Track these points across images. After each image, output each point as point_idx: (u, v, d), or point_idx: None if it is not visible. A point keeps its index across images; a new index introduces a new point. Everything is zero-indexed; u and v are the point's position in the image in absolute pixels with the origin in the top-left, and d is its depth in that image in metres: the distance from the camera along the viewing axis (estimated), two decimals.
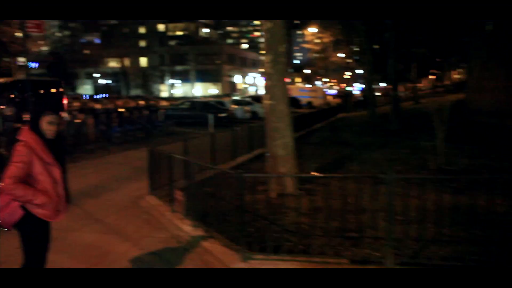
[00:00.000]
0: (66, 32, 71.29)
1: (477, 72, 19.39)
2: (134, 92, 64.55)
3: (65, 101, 18.04)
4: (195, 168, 5.39)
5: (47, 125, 3.18)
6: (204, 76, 68.78)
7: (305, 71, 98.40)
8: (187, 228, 5.32)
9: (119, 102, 38.29)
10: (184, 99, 43.69)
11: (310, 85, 61.85)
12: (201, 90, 69.73)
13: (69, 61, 61.72)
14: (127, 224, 5.92)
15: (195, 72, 69.92)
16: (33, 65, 40.61)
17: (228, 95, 48.56)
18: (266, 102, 6.95)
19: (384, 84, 50.53)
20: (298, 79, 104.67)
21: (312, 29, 46.45)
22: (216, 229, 5.14)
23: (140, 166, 10.72)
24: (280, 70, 6.82)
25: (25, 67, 25.24)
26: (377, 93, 47.42)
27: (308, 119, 20.41)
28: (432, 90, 59.41)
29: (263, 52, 7.06)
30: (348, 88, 62.96)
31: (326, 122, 24.82)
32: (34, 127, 3.17)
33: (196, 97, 50.04)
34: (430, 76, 60.71)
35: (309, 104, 44.04)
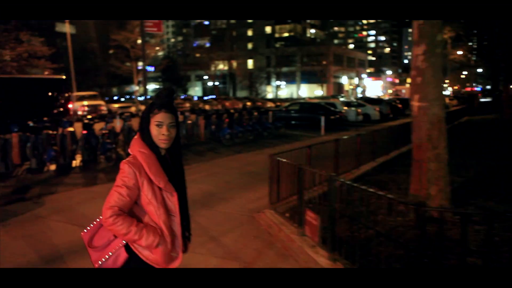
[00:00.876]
0: (180, 38, 75.32)
1: None
2: (240, 93, 65.78)
3: (70, 105, 17.59)
4: (333, 186, 4.23)
5: (157, 129, 2.17)
6: (310, 77, 67.70)
7: None
8: (323, 261, 4.20)
9: (227, 103, 38.93)
10: (291, 100, 43.09)
11: None
12: (306, 91, 68.81)
13: (181, 64, 64.94)
14: (246, 247, 5.00)
15: (300, 73, 69.19)
16: (150, 68, 43.11)
17: (334, 97, 46.94)
18: (415, 104, 5.57)
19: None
20: (408, 80, 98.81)
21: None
22: (360, 264, 3.98)
23: (253, 171, 9.97)
24: (436, 64, 5.38)
25: (143, 71, 26.58)
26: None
27: None
28: None
29: (413, 42, 5.67)
30: (467, 89, 57.30)
31: (451, 125, 22.14)
32: (143, 133, 2.21)
33: (303, 99, 49.20)
34: None
35: None
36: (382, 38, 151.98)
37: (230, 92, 67.65)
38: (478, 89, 66.57)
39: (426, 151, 5.45)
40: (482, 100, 47.00)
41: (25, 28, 31.93)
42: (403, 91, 76.99)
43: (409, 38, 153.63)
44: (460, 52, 43.78)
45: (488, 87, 64.99)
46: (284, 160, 6.08)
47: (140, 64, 40.24)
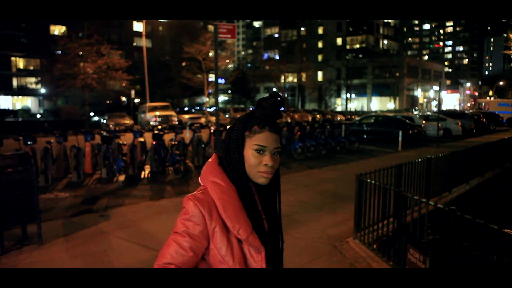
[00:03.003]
0: (250, 50, 76.29)
1: None
2: (309, 105, 64.83)
3: None
4: (452, 224, 3.31)
5: (256, 156, 1.44)
6: (381, 90, 65.32)
7: (498, 83, 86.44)
8: None
9: (296, 116, 38.20)
10: (361, 113, 41.46)
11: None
12: (377, 104, 66.43)
13: (251, 76, 65.43)
14: None
15: (371, 86, 67.00)
16: (220, 80, 43.63)
17: (407, 110, 44.59)
18: None
19: None
20: (491, 93, 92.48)
21: None
22: None
23: (328, 190, 9.11)
24: None
25: (215, 82, 26.84)
26: None
27: None
28: None
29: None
30: None
31: None
32: (230, 159, 1.48)
33: (375, 112, 47.28)
34: None
35: (510, 120, 37.24)
36: (460, 48, 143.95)
37: (299, 104, 66.93)
38: None
39: None
40: None
41: (105, 42, 33.63)
42: (483, 103, 72.08)
43: (491, 48, 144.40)
44: None
45: None
46: (373, 182, 5.20)
47: (212, 76, 40.86)
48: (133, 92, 40.08)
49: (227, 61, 46.71)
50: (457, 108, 67.26)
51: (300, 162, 13.17)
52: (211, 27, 54.66)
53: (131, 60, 33.76)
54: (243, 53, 75.39)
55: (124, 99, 52.62)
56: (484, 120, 30.05)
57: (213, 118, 28.77)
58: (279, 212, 1.59)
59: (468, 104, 76.15)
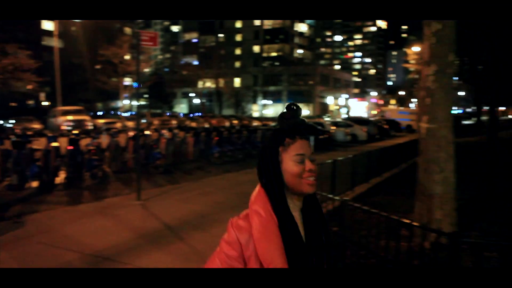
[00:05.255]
0: (167, 55, 75.38)
1: None
2: (226, 111, 65.69)
3: None
4: (347, 210, 3.97)
5: (297, 165, 1.46)
6: (296, 97, 68.07)
7: (399, 93, 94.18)
8: None
9: (214, 121, 38.65)
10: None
11: (411, 107, 58.30)
12: None
13: (168, 81, 64.72)
14: None
15: (287, 93, 69.57)
16: (137, 85, 42.83)
17: (320, 116, 47.13)
18: (423, 125, 5.38)
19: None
20: (392, 101, 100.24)
21: (416, 48, 43.64)
22: None
23: (245, 191, 9.64)
24: (446, 84, 5.23)
25: (130, 87, 26.29)
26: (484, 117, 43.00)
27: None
28: None
29: (421, 63, 5.54)
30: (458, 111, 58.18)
31: None
32: (270, 179, 1.49)
33: None
34: None
35: (408, 127, 41.09)
36: (368, 60, 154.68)
37: (216, 109, 67.54)
38: (459, 111, 67.78)
39: (433, 174, 5.25)
40: (464, 122, 47.69)
41: (11, 40, 31.43)
42: (387, 112, 78.04)
43: (393, 61, 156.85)
44: None
45: (469, 109, 66.23)
46: None
47: (128, 80, 39.91)
48: (42, 95, 37.85)
49: (145, 64, 45.93)
50: (365, 115, 72.15)
51: (218, 166, 13.61)
52: (128, 29, 53.35)
53: (40, 61, 31.87)
54: (160, 57, 74.35)
55: (31, 102, 49.38)
56: (386, 127, 32.92)
57: (130, 123, 28.24)
58: (326, 226, 1.58)
59: (375, 112, 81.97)
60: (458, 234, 3.09)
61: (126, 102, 45.76)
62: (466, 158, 16.11)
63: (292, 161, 1.45)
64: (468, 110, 70.87)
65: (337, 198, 4.53)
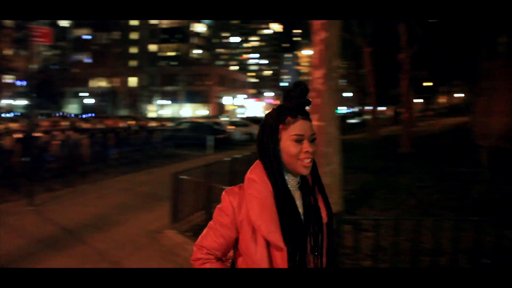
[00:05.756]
0: (56, 51, 70.29)
1: (485, 95, 18.89)
2: (122, 112, 63.27)
3: None
4: None
5: (295, 145, 1.48)
6: (193, 97, 68.02)
7: None
8: None
9: (109, 122, 37.09)
10: (176, 120, 42.62)
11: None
12: (189, 111, 68.78)
13: (57, 80, 60.37)
14: None
15: (184, 93, 69.10)
16: (20, 83, 39.28)
17: (217, 116, 47.76)
18: (314, 123, 5.97)
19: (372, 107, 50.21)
20: None
21: (307, 51, 46.23)
22: None
23: (145, 191, 9.66)
24: (333, 86, 5.89)
25: (13, 85, 24.21)
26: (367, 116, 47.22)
27: None
28: (423, 113, 59.48)
29: (311, 67, 6.14)
30: (344, 111, 62.71)
31: None
32: (267, 155, 1.51)
33: (186, 118, 49.06)
34: (417, 100, 60.73)
35: None
36: (263, 61, 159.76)
37: (111, 110, 64.67)
38: (348, 111, 73.29)
39: (322, 167, 5.86)
40: (350, 121, 51.79)
41: None
42: None
43: (287, 63, 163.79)
44: None
45: (354, 109, 71.97)
46: (188, 177, 6.03)
47: (9, 77, 36.54)
48: None
49: (30, 61, 42.40)
50: (262, 115, 74.37)
51: (117, 168, 13.28)
52: (8, 22, 48.68)
53: None
54: (48, 53, 68.94)
55: None
56: None
57: (14, 125, 25.97)
58: (329, 207, 1.60)
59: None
60: (341, 214, 3.60)
61: (8, 101, 41.81)
62: (352, 153, 17.70)
63: (290, 140, 1.46)
64: (354, 109, 76.85)
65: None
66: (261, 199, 1.44)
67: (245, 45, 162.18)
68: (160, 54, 79.85)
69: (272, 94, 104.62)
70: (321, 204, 1.56)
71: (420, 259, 4.26)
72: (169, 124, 33.14)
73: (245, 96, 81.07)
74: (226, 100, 73.28)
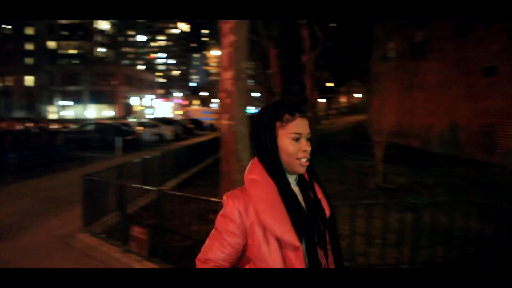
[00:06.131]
0: None
1: (381, 95, 20.72)
2: (17, 113, 58.42)
3: None
4: (163, 198, 4.47)
5: (293, 144, 1.44)
6: (98, 98, 64.96)
7: (202, 93, 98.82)
8: None
9: (3, 125, 34.16)
10: (79, 121, 40.48)
11: (213, 107, 61.88)
12: (94, 112, 65.63)
13: None
14: None
15: (88, 93, 65.74)
16: None
17: (125, 117, 46.33)
18: (224, 122, 6.27)
19: None
20: (196, 102, 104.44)
21: (216, 52, 46.62)
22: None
23: (52, 196, 9.24)
24: (242, 87, 6.21)
25: None
26: None
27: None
28: (326, 112, 62.99)
29: (221, 68, 6.41)
30: (253, 110, 64.04)
31: None
32: (265, 154, 1.46)
33: (91, 119, 46.84)
34: (321, 100, 64.34)
35: (212, 126, 43.87)
36: (171, 61, 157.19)
37: (4, 112, 59.35)
38: (257, 110, 75.11)
39: (233, 164, 6.17)
40: None
41: None
42: (191, 112, 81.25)
43: (195, 63, 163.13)
44: None
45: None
46: (99, 179, 5.97)
47: None
48: None
49: None
50: (171, 115, 73.44)
51: (17, 174, 12.42)
52: None
53: None
54: None
55: None
56: (191, 126, 34.57)
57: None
58: (329, 200, 1.56)
59: (180, 112, 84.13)
60: None
61: None
62: None
63: (288, 138, 1.43)
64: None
65: (153, 188, 5.00)
66: (268, 199, 1.38)
67: (152, 44, 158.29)
68: (60, 51, 75.06)
69: (181, 94, 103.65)
70: (321, 198, 1.52)
71: None
72: (73, 126, 31.45)
73: (153, 96, 79.29)
74: (134, 101, 71.06)
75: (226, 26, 6.32)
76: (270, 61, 23.41)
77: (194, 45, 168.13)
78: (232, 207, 1.40)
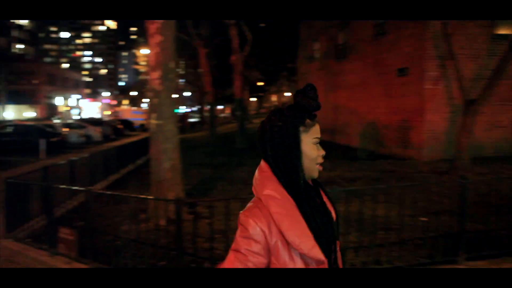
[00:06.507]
0: None
1: None
2: None
3: None
4: (91, 198, 4.49)
5: (315, 148, 1.43)
6: (18, 98, 60.95)
7: (131, 93, 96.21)
8: None
9: None
10: (2, 122, 37.82)
11: (143, 107, 60.50)
12: (13, 113, 61.49)
13: None
14: None
15: (6, 93, 61.41)
16: None
17: (49, 118, 43.99)
18: (153, 121, 6.36)
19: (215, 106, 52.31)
20: (125, 101, 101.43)
21: (145, 50, 45.60)
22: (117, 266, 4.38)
23: None
24: (170, 87, 6.33)
25: None
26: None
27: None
28: (257, 111, 64.03)
29: (148, 68, 6.48)
30: (184, 110, 63.42)
31: None
32: (286, 161, 1.39)
33: (11, 121, 43.90)
34: (252, 99, 65.41)
35: (142, 126, 42.97)
36: (98, 59, 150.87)
37: None
38: (188, 110, 74.51)
39: (163, 162, 6.28)
40: (191, 120, 52.96)
41: None
42: (121, 112, 78.84)
43: (124, 61, 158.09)
44: None
45: (195, 108, 73.63)
46: (22, 182, 5.82)
47: None
48: None
49: None
50: (99, 116, 70.73)
51: None
52: None
53: None
54: None
55: None
56: (121, 127, 33.65)
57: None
58: (334, 204, 1.56)
59: (108, 112, 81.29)
60: (180, 199, 4.08)
61: None
62: (194, 150, 18.43)
63: (312, 144, 1.41)
64: (194, 108, 78.42)
65: (82, 189, 5.00)
66: (290, 216, 1.33)
67: (77, 41, 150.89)
68: None
69: (109, 94, 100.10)
70: (327, 202, 1.51)
71: None
72: None
73: (80, 96, 75.87)
74: (58, 101, 67.54)
75: (153, 26, 6.41)
76: (200, 60, 23.52)
77: (122, 43, 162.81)
78: (255, 227, 1.32)
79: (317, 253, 1.32)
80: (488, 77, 9.68)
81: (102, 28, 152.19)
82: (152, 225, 5.79)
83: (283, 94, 56.35)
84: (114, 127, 31.78)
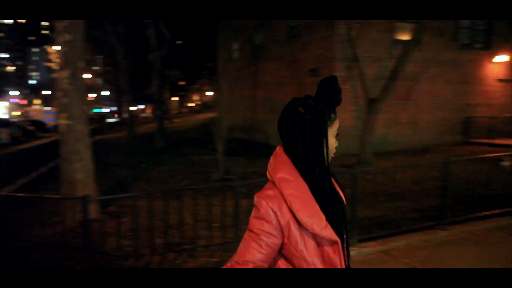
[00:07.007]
0: None
1: (226, 93, 21.89)
2: None
3: None
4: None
5: (335, 140, 1.52)
6: None
7: (44, 92, 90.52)
8: None
9: None
10: None
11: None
12: None
13: None
14: None
15: None
16: None
17: None
18: (63, 122, 6.23)
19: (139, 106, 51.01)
20: (37, 101, 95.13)
21: (56, 47, 43.21)
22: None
23: None
24: (79, 86, 6.24)
25: None
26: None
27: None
28: (178, 111, 63.26)
29: (57, 66, 6.34)
30: (100, 110, 60.94)
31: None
32: (313, 150, 1.45)
33: None
34: (174, 98, 64.62)
35: (55, 127, 40.67)
36: (4, 55, 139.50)
37: None
38: (106, 110, 71.70)
39: (74, 163, 6.20)
40: (109, 120, 51.07)
41: None
42: (32, 112, 73.88)
43: (35, 58, 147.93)
44: (88, 76, 46.30)
45: (114, 108, 71.22)
46: None
47: None
48: None
49: None
50: (6, 116, 65.67)
51: None
52: None
53: None
54: None
55: None
56: (32, 128, 31.68)
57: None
58: (343, 191, 1.62)
59: (18, 113, 75.83)
60: (86, 196, 4.14)
61: None
62: (111, 151, 17.96)
63: (333, 136, 1.49)
64: (113, 108, 75.74)
65: None
66: (302, 197, 1.39)
67: None
68: None
69: (18, 93, 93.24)
70: (337, 188, 1.58)
71: (170, 232, 5.17)
72: None
73: None
74: None
75: (60, 24, 6.30)
76: (118, 58, 22.93)
77: (32, 38, 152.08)
78: (266, 207, 1.39)
79: (330, 233, 1.39)
80: (387, 77, 10.62)
81: (8, 21, 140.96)
82: (61, 227, 5.73)
83: (204, 93, 56.33)
84: (24, 129, 29.87)
